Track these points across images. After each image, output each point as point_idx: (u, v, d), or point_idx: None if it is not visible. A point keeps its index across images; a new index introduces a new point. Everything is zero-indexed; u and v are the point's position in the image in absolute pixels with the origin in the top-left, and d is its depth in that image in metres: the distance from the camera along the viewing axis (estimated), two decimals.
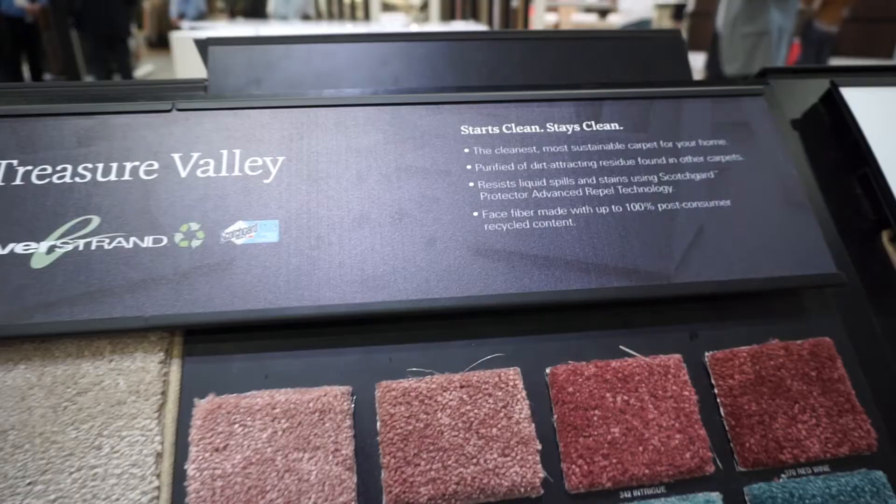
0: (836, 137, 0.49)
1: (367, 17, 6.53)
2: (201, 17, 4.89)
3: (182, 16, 4.80)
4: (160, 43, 5.92)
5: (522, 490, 0.34)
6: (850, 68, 0.52)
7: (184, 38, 4.11)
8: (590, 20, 5.62)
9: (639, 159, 0.44)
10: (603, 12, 6.01)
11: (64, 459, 0.34)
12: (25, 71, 3.78)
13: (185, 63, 3.85)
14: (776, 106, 0.50)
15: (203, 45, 0.53)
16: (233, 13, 5.72)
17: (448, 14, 5.77)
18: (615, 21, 5.57)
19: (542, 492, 0.34)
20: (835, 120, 0.49)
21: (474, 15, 5.74)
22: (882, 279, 0.43)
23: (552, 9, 5.62)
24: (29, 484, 0.33)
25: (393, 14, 5.01)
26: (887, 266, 0.44)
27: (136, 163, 0.40)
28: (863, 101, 0.48)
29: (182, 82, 0.50)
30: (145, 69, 5.04)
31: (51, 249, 0.37)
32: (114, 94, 0.46)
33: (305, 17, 5.15)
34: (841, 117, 0.48)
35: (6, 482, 0.33)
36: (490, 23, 5.26)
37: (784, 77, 0.54)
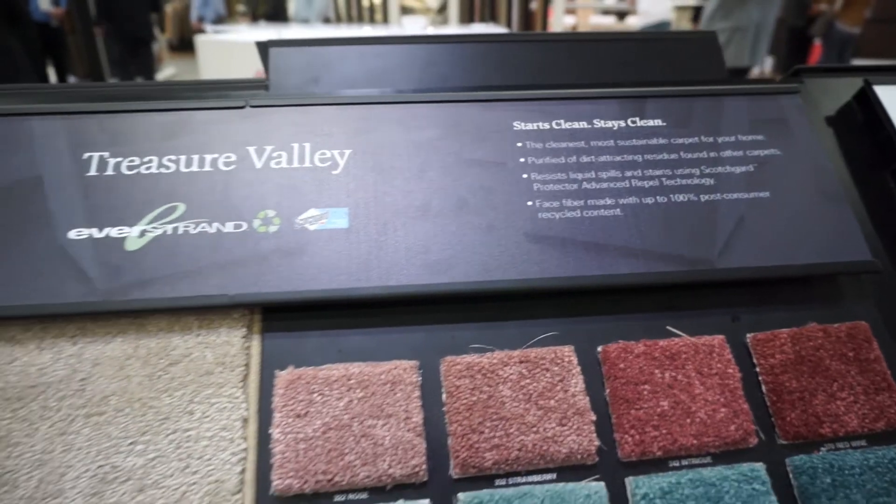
0: (870, 134, 0.51)
1: (385, 20, 6.58)
2: (220, 20, 4.96)
3: (201, 19, 4.87)
4: (181, 46, 6.02)
5: (579, 457, 0.37)
6: (883, 67, 0.54)
7: (208, 41, 4.18)
8: (608, 22, 5.62)
9: (681, 153, 0.46)
10: (621, 14, 5.99)
11: (160, 423, 0.37)
12: (51, 75, 3.86)
13: (209, 66, 3.92)
14: (811, 103, 0.52)
15: (264, 47, 0.56)
16: (254, 16, 5.80)
17: (467, 17, 5.79)
18: (633, 23, 5.56)
19: (597, 459, 0.37)
20: (868, 117, 0.51)
21: (493, 17, 5.76)
22: None
23: (570, 11, 5.62)
24: (130, 443, 0.36)
25: (413, 17, 5.05)
26: None
27: (216, 155, 0.43)
28: (895, 99, 0.50)
29: (243, 81, 0.54)
30: (167, 72, 5.13)
31: (142, 234, 0.40)
32: (183, 91, 0.50)
33: (326, 21, 5.21)
34: (874, 114, 0.50)
35: (110, 441, 0.36)
36: (509, 25, 5.28)
37: (817, 76, 0.56)
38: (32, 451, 0.36)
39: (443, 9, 6.01)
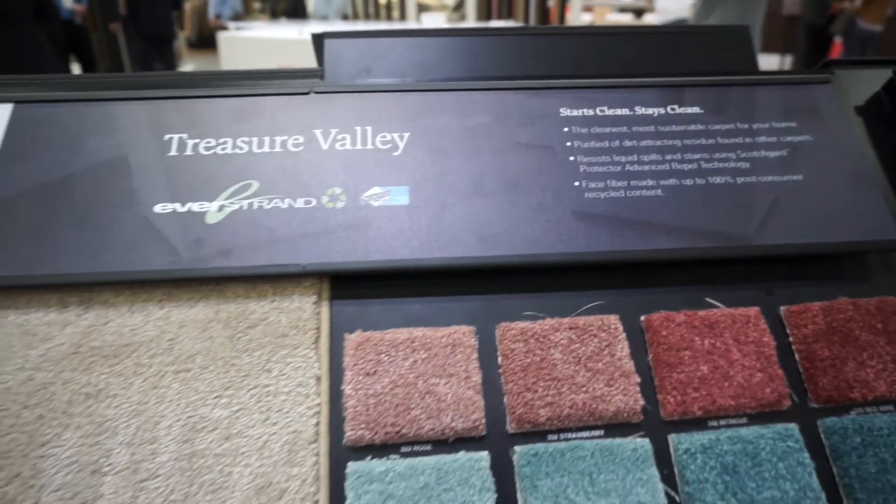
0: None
1: (402, 17, 6.61)
2: (237, 17, 5.01)
3: (219, 16, 4.92)
4: (200, 43, 6.09)
5: (625, 415, 0.40)
6: None
7: (230, 37, 4.24)
8: (625, 20, 5.61)
9: (718, 139, 0.49)
10: (638, 12, 5.98)
11: (242, 379, 0.40)
12: (76, 71, 3.93)
13: (231, 62, 3.97)
14: (841, 94, 0.55)
15: (318, 39, 0.59)
16: (274, 13, 5.86)
17: (484, 14, 5.80)
18: (651, 20, 5.55)
19: (642, 418, 0.40)
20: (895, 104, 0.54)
21: (510, 14, 5.76)
22: None
23: (587, 8, 5.62)
24: (216, 397, 0.40)
25: (432, 14, 5.08)
26: None
27: (285, 137, 0.47)
28: None
29: (300, 71, 0.57)
30: (187, 68, 5.21)
31: (221, 208, 0.44)
32: (245, 79, 0.54)
33: (345, 18, 5.25)
34: None
35: (198, 395, 0.40)
36: (526, 21, 5.29)
37: (846, 68, 0.58)
38: (129, 402, 0.39)
39: (459, 6, 6.03)
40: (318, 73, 0.57)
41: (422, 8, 6.24)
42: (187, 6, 6.11)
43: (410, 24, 4.56)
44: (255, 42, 4.23)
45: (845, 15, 4.83)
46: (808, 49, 4.29)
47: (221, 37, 4.26)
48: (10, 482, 0.37)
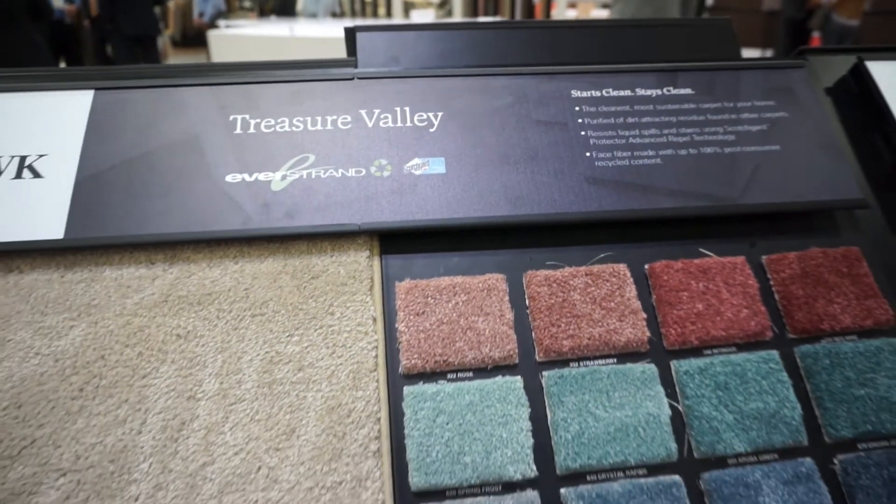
0: (862, 102, 0.61)
1: (388, 14, 6.66)
2: (219, 15, 5.01)
3: (201, 14, 4.91)
4: (184, 42, 6.09)
5: (634, 346, 0.47)
6: (873, 48, 0.64)
7: (221, 35, 4.27)
8: (607, 15, 5.70)
9: (707, 115, 0.57)
10: None
11: (309, 321, 0.48)
12: None
13: (221, 59, 4.00)
14: (813, 77, 0.63)
15: (351, 32, 0.66)
16: (263, 11, 5.89)
17: (471, 10, 5.87)
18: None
19: (648, 348, 0.48)
20: (861, 87, 0.62)
21: (496, 10, 5.84)
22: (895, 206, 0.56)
23: (572, 4, 5.70)
24: (288, 336, 0.47)
25: (421, 11, 5.14)
26: None
27: (335, 116, 0.54)
28: (884, 72, 0.61)
29: (336, 60, 0.64)
30: None
31: (283, 177, 0.51)
32: (287, 67, 0.60)
33: (334, 15, 5.29)
34: (866, 85, 0.61)
35: (273, 334, 0.47)
36: (512, 17, 5.37)
37: (819, 55, 0.66)
38: (214, 341, 0.46)
39: (444, 3, 6.10)
40: (351, 63, 0.64)
41: (408, 5, 6.29)
42: (171, 5, 6.11)
43: (397, 21, 4.61)
44: (246, 39, 4.27)
45: (822, 10, 4.96)
46: (787, 43, 4.41)
47: (212, 34, 4.29)
48: (121, 406, 0.44)
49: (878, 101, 0.59)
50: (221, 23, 4.61)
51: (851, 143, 0.60)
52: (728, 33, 0.69)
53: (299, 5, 5.51)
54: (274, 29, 4.29)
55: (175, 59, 5.62)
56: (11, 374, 0.44)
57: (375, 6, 7.03)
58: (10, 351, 0.45)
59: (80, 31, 3.86)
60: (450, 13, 5.76)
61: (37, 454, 0.42)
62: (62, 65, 3.80)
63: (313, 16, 5.10)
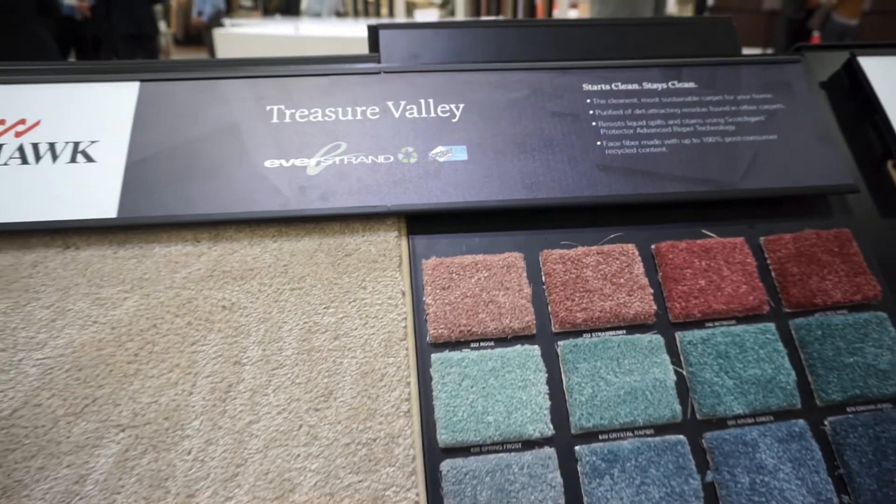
0: (854, 94, 0.66)
1: (391, 13, 6.70)
2: (219, 14, 5.01)
3: (200, 14, 4.91)
4: (187, 41, 6.13)
5: (642, 318, 0.52)
6: (865, 44, 0.68)
7: (226, 34, 4.30)
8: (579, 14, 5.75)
9: (710, 107, 0.61)
10: None
11: (344, 294, 0.52)
12: None
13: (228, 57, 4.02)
14: (809, 71, 0.67)
15: (374, 30, 0.70)
16: (267, 10, 5.93)
17: (473, 10, 5.91)
18: None
19: (655, 320, 0.52)
20: (853, 81, 0.66)
21: (499, 10, 5.88)
22: (886, 192, 0.60)
23: (574, 4, 5.74)
24: (324, 308, 0.51)
25: (424, 10, 5.17)
26: (890, 184, 0.61)
27: (364, 107, 0.58)
28: (875, 67, 0.65)
29: (361, 56, 0.68)
30: None
31: (318, 163, 0.55)
32: (315, 63, 0.64)
33: (338, 14, 5.33)
34: (857, 79, 0.65)
35: (310, 306, 0.51)
36: (514, 17, 5.40)
37: (814, 51, 0.70)
38: (257, 312, 0.51)
39: (446, 3, 6.13)
40: (374, 58, 0.68)
41: (410, 5, 6.33)
42: (173, 3, 6.15)
43: (400, 21, 4.65)
44: (251, 38, 4.30)
45: (822, 10, 5.00)
46: (787, 43, 4.45)
47: (217, 33, 4.32)
48: (172, 370, 0.48)
49: (869, 94, 0.63)
50: (227, 21, 4.64)
51: (844, 132, 0.64)
52: (729, 31, 0.73)
53: (303, 4, 5.54)
54: (279, 28, 4.33)
55: (177, 57, 5.64)
56: (72, 340, 0.48)
57: (378, 6, 7.07)
58: (70, 319, 0.49)
59: (89, 27, 3.89)
60: (452, 13, 5.80)
61: (98, 411, 0.46)
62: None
63: (317, 15, 5.13)
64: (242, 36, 4.24)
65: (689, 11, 6.30)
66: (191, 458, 0.45)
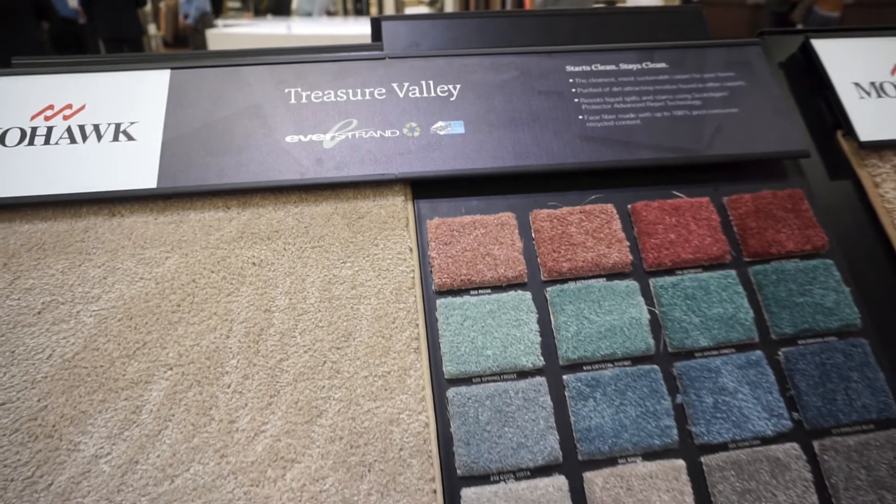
0: (809, 72, 0.73)
1: (381, 12, 6.75)
2: (204, 16, 5.02)
3: (186, 16, 4.92)
4: (176, 43, 6.16)
5: (619, 267, 0.59)
6: (821, 29, 0.76)
7: (219, 34, 4.35)
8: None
9: (679, 85, 0.68)
10: (609, 2, 6.18)
11: (358, 250, 0.59)
12: None
13: None
14: (769, 54, 0.75)
15: (376, 21, 0.78)
16: (258, 10, 5.97)
17: (462, 6, 5.97)
18: None
19: (631, 269, 0.59)
20: (808, 61, 0.73)
21: (487, 6, 5.95)
22: (835, 158, 0.68)
23: (610, 6, 5.81)
24: (342, 262, 0.58)
25: (417, 9, 5.24)
26: (840, 151, 0.69)
27: (371, 89, 0.65)
28: (827, 49, 0.72)
29: (364, 46, 0.75)
30: None
31: (332, 138, 0.62)
32: (324, 52, 0.71)
33: (329, 14, 5.38)
34: (811, 59, 0.72)
35: (329, 261, 0.58)
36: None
37: (775, 34, 0.78)
38: (283, 267, 0.58)
39: (434, 1, 6.20)
40: (377, 47, 0.75)
41: (400, 4, 6.40)
42: (162, 6, 6.17)
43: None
44: (243, 38, 4.35)
45: (803, 3, 5.09)
46: None
47: (210, 33, 4.37)
48: (211, 317, 0.55)
49: (821, 72, 0.71)
50: (219, 22, 4.69)
51: (799, 106, 0.72)
52: (699, 19, 0.80)
53: (294, 4, 5.60)
54: (271, 27, 4.38)
55: None
56: (122, 294, 0.55)
57: (368, 4, 7.13)
58: (119, 276, 0.56)
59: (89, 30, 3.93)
60: (441, 10, 5.86)
61: (148, 353, 0.53)
62: None
63: (308, 15, 5.19)
64: (235, 36, 4.30)
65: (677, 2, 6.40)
66: (231, 391, 0.52)
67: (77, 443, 0.50)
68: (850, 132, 0.67)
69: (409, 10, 5.03)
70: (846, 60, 0.71)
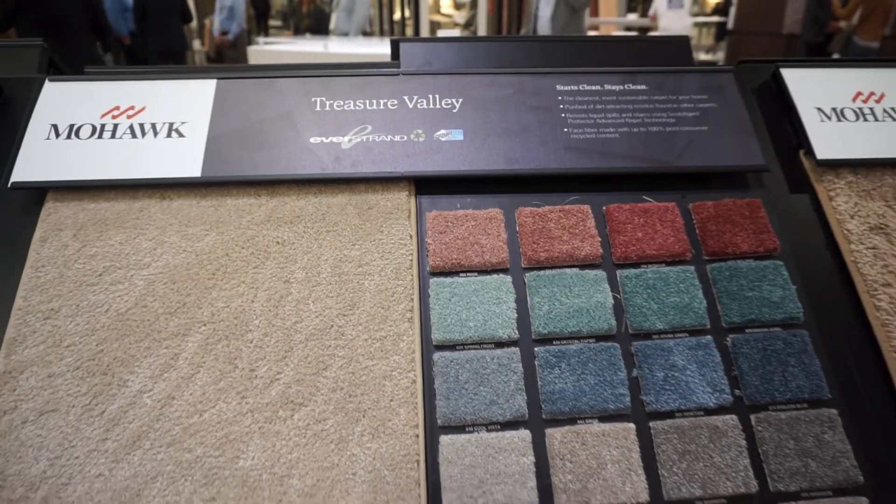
0: (778, 98, 0.82)
1: (416, 33, 6.96)
2: (242, 34, 5.21)
3: (225, 33, 5.12)
4: (217, 58, 6.42)
5: (591, 259, 0.68)
6: (790, 60, 0.84)
7: (259, 51, 4.55)
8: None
9: (656, 104, 0.77)
10: (643, 31, 6.27)
11: (366, 235, 0.69)
12: None
13: None
14: (745, 80, 0.84)
15: (395, 42, 0.89)
16: (297, 30, 6.22)
17: (494, 31, 6.12)
18: None
19: (601, 261, 0.68)
20: (777, 88, 0.82)
21: (518, 30, 6.09)
22: (797, 174, 0.76)
23: (593, 27, 5.92)
24: (351, 244, 0.68)
25: (448, 31, 5.40)
26: (801, 168, 0.77)
27: (385, 100, 0.76)
28: (794, 77, 0.81)
29: (385, 63, 0.87)
30: None
31: (350, 140, 0.73)
32: (343, 69, 0.82)
33: (364, 34, 5.58)
34: (780, 86, 0.81)
35: (341, 243, 0.68)
36: None
37: (754, 64, 0.87)
38: (302, 247, 0.68)
39: (469, 24, 6.38)
40: (395, 65, 0.86)
41: (434, 25, 6.58)
42: (207, 22, 6.46)
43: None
44: (282, 55, 4.56)
45: (842, 34, 5.10)
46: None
47: (251, 50, 4.57)
48: (240, 285, 0.66)
49: (787, 97, 0.79)
50: (260, 39, 4.90)
51: (768, 128, 0.80)
52: (685, 48, 0.90)
53: (332, 24, 5.82)
54: (308, 46, 4.58)
55: None
56: (168, 262, 0.66)
57: (404, 26, 7.35)
58: (166, 249, 0.67)
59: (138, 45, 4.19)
60: (475, 34, 6.03)
61: (186, 312, 0.64)
62: None
63: (345, 34, 5.39)
64: (274, 53, 4.50)
65: (707, 36, 6.44)
66: (252, 345, 0.63)
67: (126, 380, 0.60)
68: (809, 151, 0.75)
69: (442, 32, 5.19)
70: (811, 88, 0.79)
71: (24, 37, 1.82)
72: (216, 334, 0.63)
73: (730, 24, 6.57)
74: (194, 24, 5.90)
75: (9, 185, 0.68)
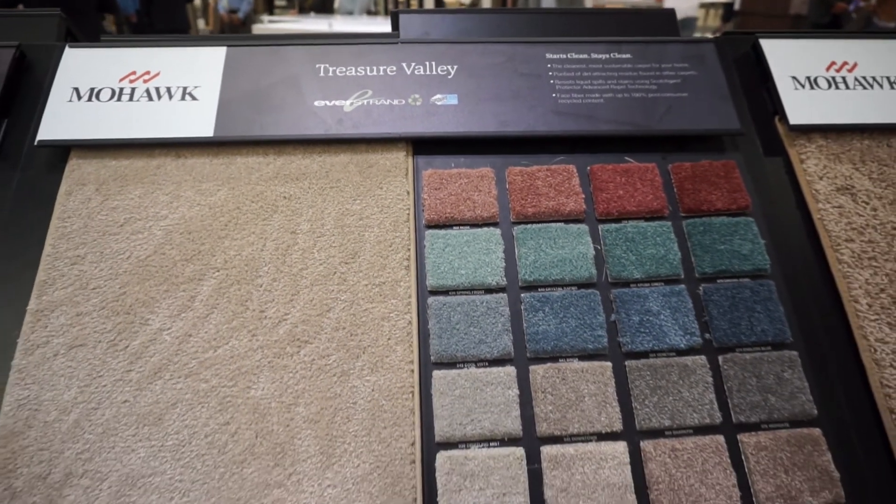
0: (757, 67, 0.86)
1: None
2: (251, 13, 5.21)
3: (234, 11, 5.13)
4: None
5: (575, 214, 0.73)
6: (769, 32, 0.89)
7: (264, 29, 4.57)
8: None
9: (639, 72, 0.82)
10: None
11: (367, 191, 0.74)
12: None
13: None
14: (727, 51, 0.88)
15: (395, 14, 0.93)
16: (301, 8, 6.22)
17: (500, 3, 6.11)
18: None
19: (585, 216, 0.74)
20: (756, 57, 0.87)
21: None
22: (771, 138, 0.81)
23: (599, 6, 5.88)
24: (353, 200, 0.74)
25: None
26: (776, 133, 0.82)
27: (384, 66, 0.81)
28: (772, 47, 0.85)
29: (385, 34, 0.91)
30: None
31: (351, 104, 0.78)
32: (345, 38, 0.87)
33: (369, 13, 5.58)
34: (759, 56, 0.85)
35: (343, 198, 0.74)
36: None
37: (734, 35, 0.91)
38: (307, 201, 0.73)
39: (474, 4, 6.35)
40: (395, 36, 0.91)
41: (439, 5, 6.56)
42: (211, 2, 6.44)
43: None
44: (286, 34, 4.55)
45: (862, 14, 5.09)
46: None
47: (256, 28, 4.58)
48: (250, 235, 0.71)
49: (765, 66, 0.84)
50: (265, 18, 4.91)
51: (746, 95, 0.85)
52: (671, 20, 0.94)
53: (336, 3, 5.82)
54: (313, 24, 4.60)
55: None
56: (184, 215, 0.72)
57: (409, 4, 7.33)
58: (182, 202, 0.73)
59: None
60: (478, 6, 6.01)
61: (201, 259, 0.70)
62: None
63: (350, 13, 5.39)
64: (279, 31, 4.52)
65: (714, 17, 6.41)
66: (262, 289, 0.68)
67: (147, 319, 0.66)
68: (783, 117, 0.80)
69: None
70: (787, 57, 0.84)
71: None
72: (229, 279, 0.69)
73: (737, 6, 6.54)
74: (198, 1, 5.90)
75: (35, 143, 0.73)
